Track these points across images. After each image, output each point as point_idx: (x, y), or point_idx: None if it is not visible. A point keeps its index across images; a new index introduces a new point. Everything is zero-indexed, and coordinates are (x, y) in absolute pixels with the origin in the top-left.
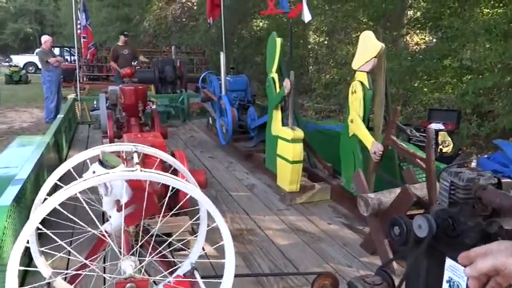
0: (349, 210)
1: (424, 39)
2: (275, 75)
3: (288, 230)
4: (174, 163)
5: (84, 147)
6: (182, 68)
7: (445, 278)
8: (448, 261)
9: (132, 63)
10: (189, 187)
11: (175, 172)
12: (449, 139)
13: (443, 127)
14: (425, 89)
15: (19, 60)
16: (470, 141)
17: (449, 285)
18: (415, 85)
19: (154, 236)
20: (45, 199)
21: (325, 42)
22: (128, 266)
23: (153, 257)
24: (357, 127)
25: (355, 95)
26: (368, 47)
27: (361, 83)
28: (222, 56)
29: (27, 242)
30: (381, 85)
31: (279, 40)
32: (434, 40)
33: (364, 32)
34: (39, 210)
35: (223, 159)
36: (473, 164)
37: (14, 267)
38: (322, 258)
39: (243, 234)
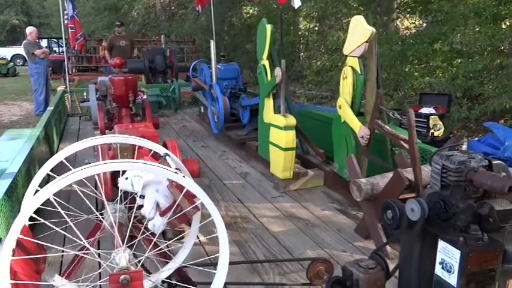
0: (342, 195)
1: (414, 23)
2: (266, 63)
3: (282, 217)
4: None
5: (76, 140)
6: (172, 57)
7: (438, 259)
8: (441, 243)
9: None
10: (180, 177)
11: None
12: (441, 123)
13: (434, 111)
14: (416, 74)
15: (6, 52)
16: (461, 124)
17: (442, 267)
18: (406, 70)
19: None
20: (37, 191)
21: (316, 28)
22: (121, 258)
23: (150, 251)
24: (345, 112)
25: (346, 80)
26: (359, 31)
27: (353, 69)
28: (212, 44)
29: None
30: (372, 70)
31: (269, 27)
32: (425, 24)
33: (354, 17)
34: (29, 204)
35: (216, 148)
36: (464, 147)
37: (6, 258)
38: (317, 244)
39: (238, 222)
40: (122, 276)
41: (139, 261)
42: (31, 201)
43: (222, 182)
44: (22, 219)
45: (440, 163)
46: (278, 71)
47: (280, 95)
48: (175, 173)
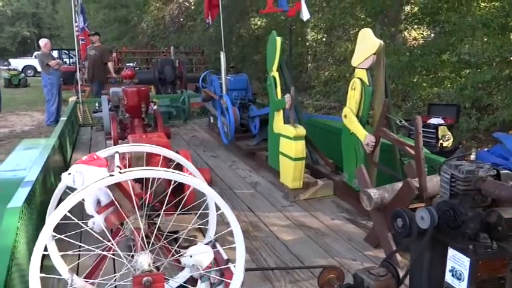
0: (352, 205)
1: (422, 34)
2: (276, 74)
3: (293, 226)
4: (183, 162)
5: (88, 149)
6: (181, 68)
7: (448, 267)
8: (451, 251)
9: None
10: (195, 181)
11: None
12: (449, 133)
13: (443, 121)
14: (424, 84)
15: (18, 63)
16: (470, 135)
17: (452, 274)
18: (414, 80)
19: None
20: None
21: (324, 39)
22: (144, 260)
23: (169, 258)
24: (350, 121)
25: (354, 91)
26: (367, 44)
27: (361, 80)
28: (222, 55)
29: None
30: (380, 81)
31: (279, 39)
32: (432, 35)
33: (362, 30)
34: (52, 217)
35: (226, 158)
36: (473, 157)
37: (35, 271)
38: (327, 252)
39: (249, 230)
40: (145, 278)
41: (156, 265)
42: (54, 215)
43: (233, 191)
44: (47, 233)
45: (449, 172)
46: (288, 98)
47: (290, 117)
48: (111, 175)
